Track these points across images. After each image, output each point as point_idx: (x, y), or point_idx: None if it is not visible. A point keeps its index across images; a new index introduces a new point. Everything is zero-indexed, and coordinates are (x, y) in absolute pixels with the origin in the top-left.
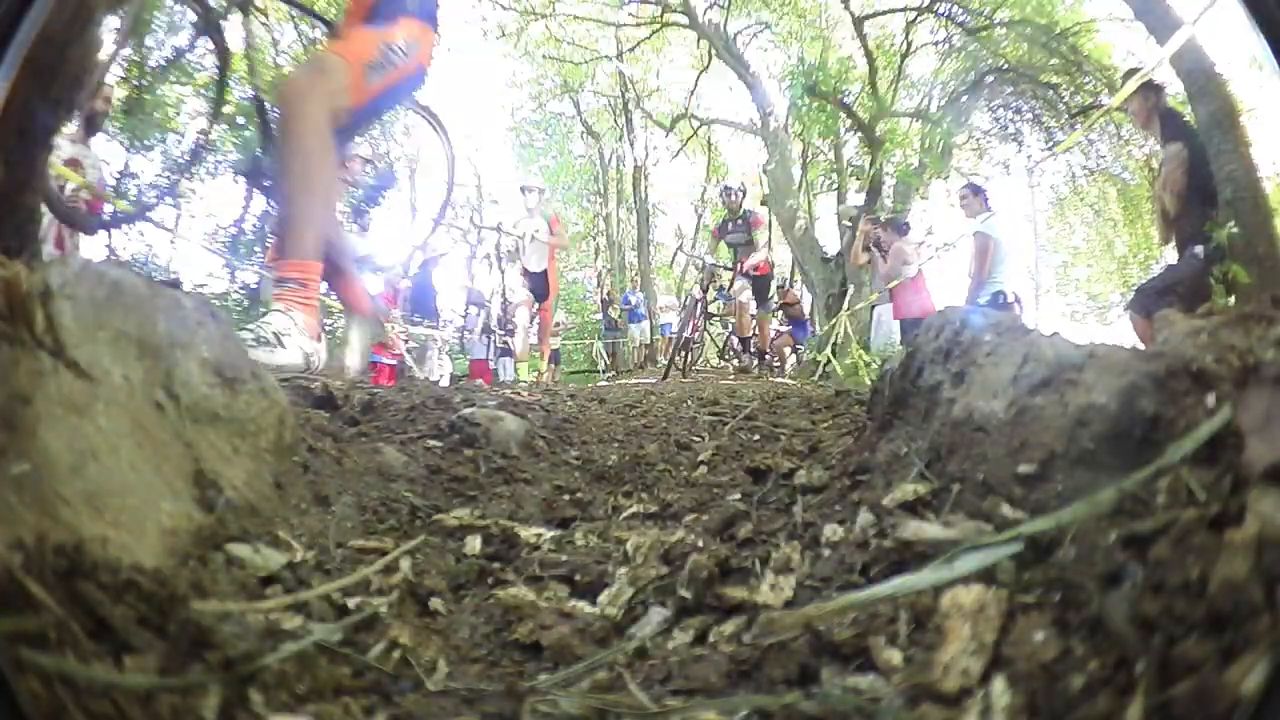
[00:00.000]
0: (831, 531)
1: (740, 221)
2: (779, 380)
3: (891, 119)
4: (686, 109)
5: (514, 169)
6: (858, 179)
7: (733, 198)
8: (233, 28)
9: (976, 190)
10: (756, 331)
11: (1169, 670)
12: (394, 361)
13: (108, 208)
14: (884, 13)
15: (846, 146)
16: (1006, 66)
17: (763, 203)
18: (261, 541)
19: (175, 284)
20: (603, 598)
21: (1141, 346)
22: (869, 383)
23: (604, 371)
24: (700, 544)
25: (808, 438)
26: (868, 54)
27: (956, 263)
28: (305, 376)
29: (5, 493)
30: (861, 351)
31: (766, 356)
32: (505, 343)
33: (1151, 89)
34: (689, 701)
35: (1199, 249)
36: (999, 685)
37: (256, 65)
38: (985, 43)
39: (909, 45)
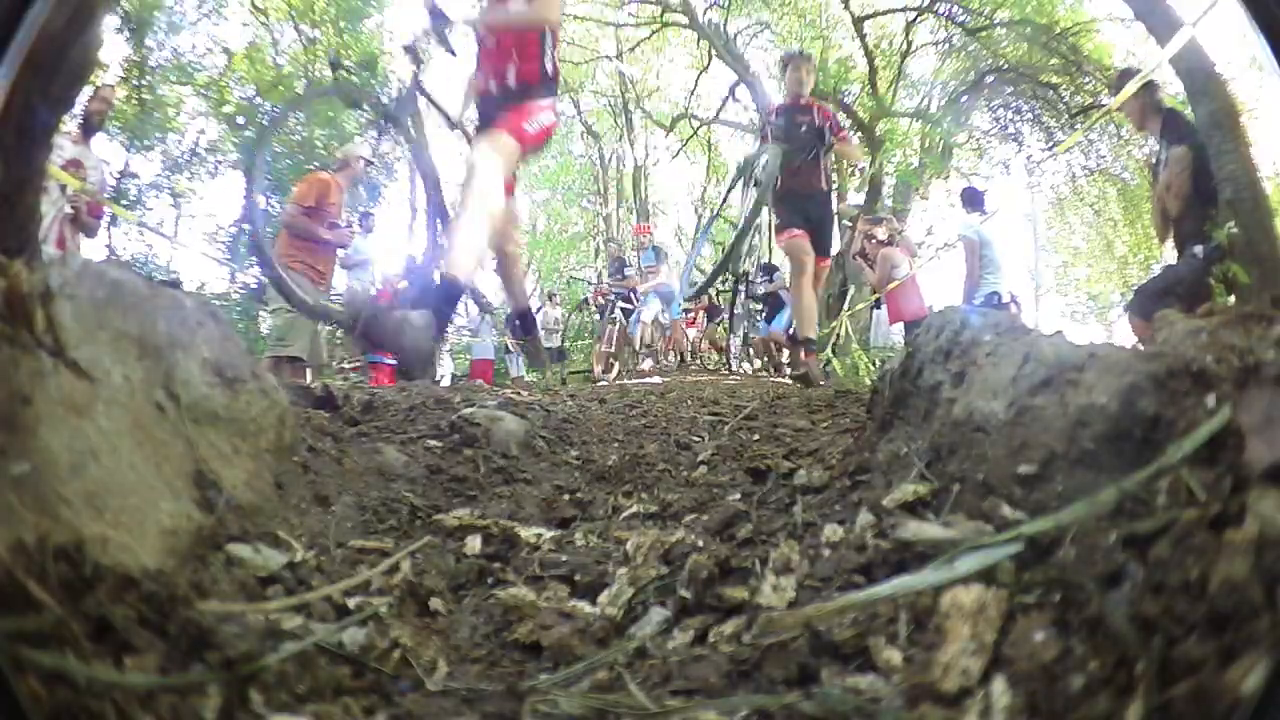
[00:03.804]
0: (831, 532)
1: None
2: (779, 380)
3: (891, 119)
4: (686, 109)
5: None
6: (858, 179)
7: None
8: (234, 26)
9: (969, 197)
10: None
11: (1169, 670)
12: (394, 361)
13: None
14: (884, 13)
15: None
16: (1006, 66)
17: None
18: (261, 541)
19: (175, 284)
20: (603, 598)
21: (1141, 347)
22: (869, 383)
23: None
24: (700, 544)
25: (808, 438)
26: (868, 54)
27: (954, 265)
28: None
29: (5, 493)
30: (861, 351)
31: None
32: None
33: (1150, 87)
34: (689, 701)
35: (1199, 249)
36: (999, 685)
37: None
38: (985, 43)
39: (909, 45)
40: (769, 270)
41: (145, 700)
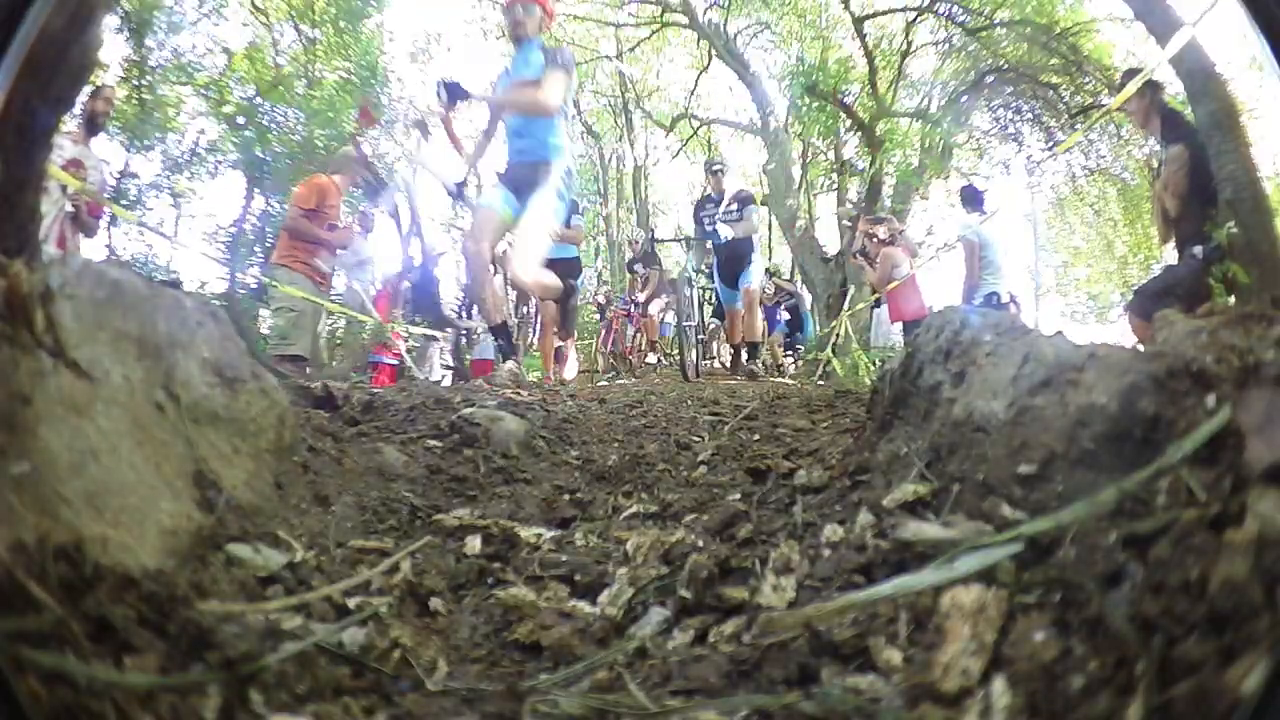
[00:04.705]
0: (831, 532)
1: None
2: (779, 380)
3: (891, 119)
4: (686, 109)
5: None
6: (859, 180)
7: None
8: (234, 26)
9: (969, 196)
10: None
11: (1169, 670)
12: (394, 361)
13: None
14: (884, 13)
15: (846, 146)
16: (1006, 66)
17: (762, 203)
18: (261, 541)
19: (175, 284)
20: (603, 598)
21: (1141, 348)
22: (869, 383)
23: (604, 372)
24: (700, 544)
25: (808, 438)
26: (868, 54)
27: (954, 265)
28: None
29: (6, 493)
30: (861, 351)
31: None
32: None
33: (1151, 87)
34: (689, 701)
35: (1198, 249)
36: (999, 685)
37: None
38: (985, 43)
39: (909, 45)
40: (742, 201)
41: (145, 700)
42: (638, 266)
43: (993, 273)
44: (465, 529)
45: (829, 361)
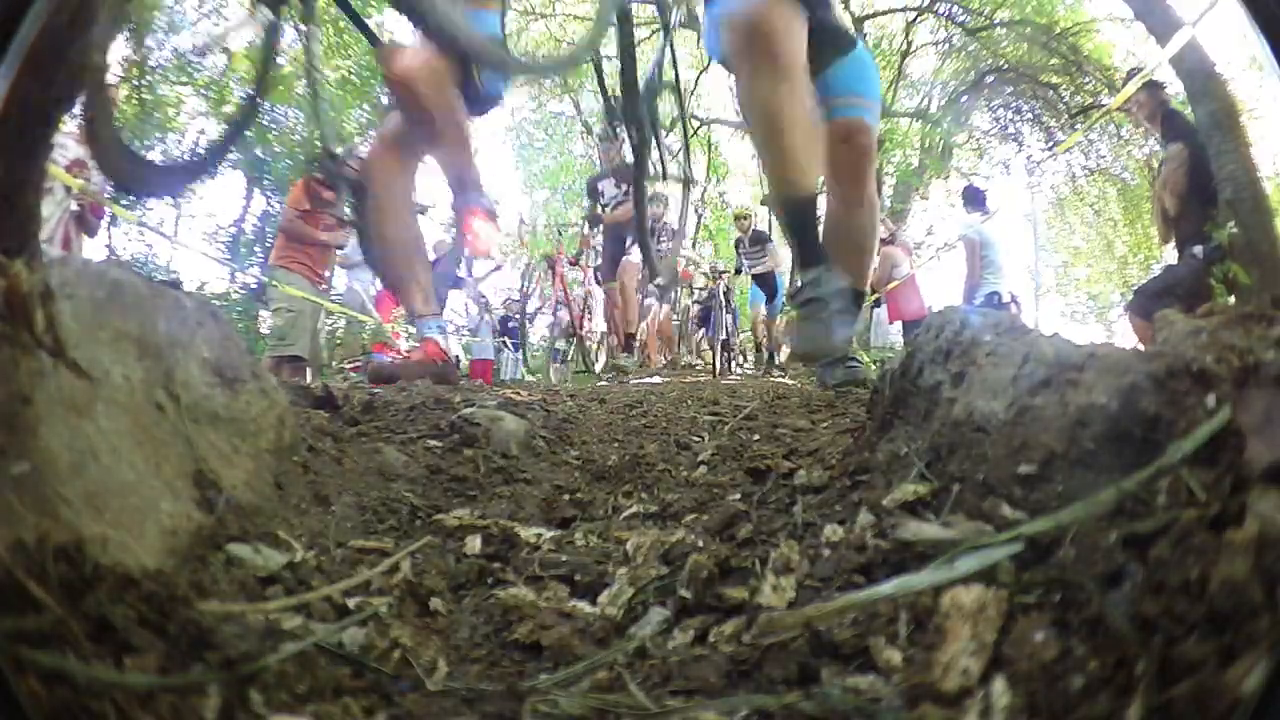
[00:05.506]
0: (831, 532)
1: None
2: (779, 380)
3: (891, 119)
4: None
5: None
6: None
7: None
8: (240, 35)
9: (971, 195)
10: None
11: (1169, 670)
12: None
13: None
14: (884, 13)
15: None
16: (1006, 66)
17: (762, 202)
18: (261, 541)
19: (175, 284)
20: (603, 598)
21: (1142, 348)
22: (869, 383)
23: (605, 372)
24: (700, 544)
25: (808, 438)
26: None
27: (954, 265)
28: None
29: (6, 493)
30: (861, 351)
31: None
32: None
33: (1154, 87)
34: (689, 701)
35: (1198, 249)
36: (999, 685)
37: None
38: (985, 43)
39: (909, 45)
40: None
41: (145, 700)
42: (605, 184)
43: (993, 272)
44: (465, 529)
45: None
